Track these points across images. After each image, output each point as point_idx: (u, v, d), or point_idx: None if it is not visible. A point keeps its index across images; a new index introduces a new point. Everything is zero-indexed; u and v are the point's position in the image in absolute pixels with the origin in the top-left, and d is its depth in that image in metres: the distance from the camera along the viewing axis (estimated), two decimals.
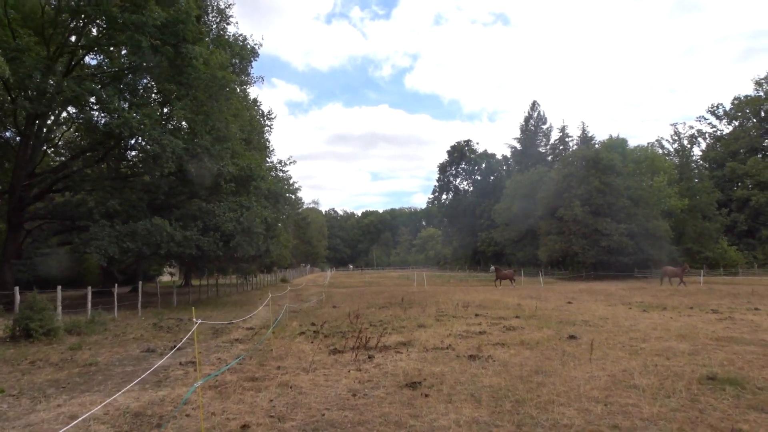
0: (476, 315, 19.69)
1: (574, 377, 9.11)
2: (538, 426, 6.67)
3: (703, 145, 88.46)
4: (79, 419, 5.93)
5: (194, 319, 6.54)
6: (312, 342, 13.79)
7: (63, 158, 33.46)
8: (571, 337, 13.65)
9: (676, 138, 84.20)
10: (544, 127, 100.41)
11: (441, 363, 10.54)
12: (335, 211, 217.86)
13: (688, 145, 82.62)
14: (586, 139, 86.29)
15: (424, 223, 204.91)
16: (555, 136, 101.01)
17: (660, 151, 77.87)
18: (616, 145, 66.30)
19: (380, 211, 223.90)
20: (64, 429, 6.29)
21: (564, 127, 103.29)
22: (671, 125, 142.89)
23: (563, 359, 10.71)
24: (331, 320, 19.11)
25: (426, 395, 8.07)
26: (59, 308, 17.17)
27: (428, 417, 7.05)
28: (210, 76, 26.12)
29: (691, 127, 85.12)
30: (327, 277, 74.53)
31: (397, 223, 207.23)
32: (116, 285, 23.47)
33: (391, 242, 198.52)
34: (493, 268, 57.63)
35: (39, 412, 7.62)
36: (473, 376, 9.29)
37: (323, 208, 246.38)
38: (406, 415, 7.17)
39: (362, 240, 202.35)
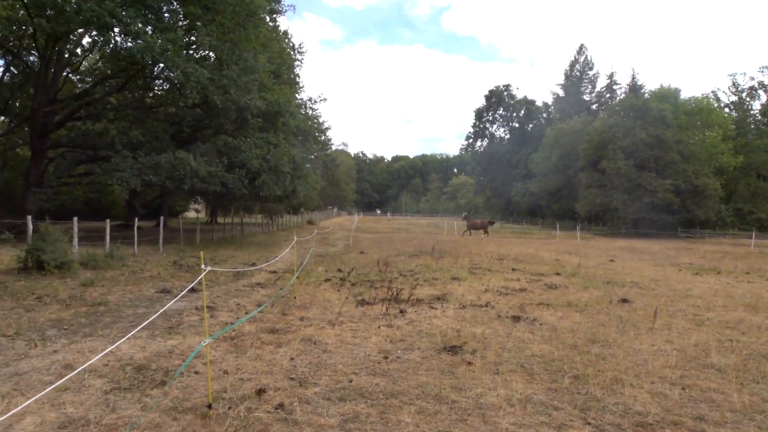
0: (513, 269, 18.76)
1: (638, 350, 8.06)
2: (606, 411, 5.68)
3: (764, 99, 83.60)
4: (74, 371, 5.17)
5: (203, 266, 5.60)
6: (338, 290, 13.00)
7: (86, 85, 32.71)
8: (624, 300, 12.56)
9: (734, 90, 79.63)
10: (591, 73, 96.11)
11: (481, 323, 9.60)
12: (364, 155, 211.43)
13: (747, 99, 78.18)
14: (635, 87, 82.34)
15: (456, 170, 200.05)
16: (602, 83, 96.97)
17: (715, 104, 73.82)
18: (668, 95, 62.88)
19: (411, 156, 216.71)
20: (55, 383, 5.52)
21: (612, 74, 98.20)
22: (729, 76, 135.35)
23: (621, 327, 9.65)
24: (359, 267, 18.38)
25: (469, 363, 7.13)
26: (75, 240, 16.67)
27: (473, 391, 6.12)
28: (238, 0, 24.69)
29: (752, 78, 79.76)
30: (354, 221, 74.13)
31: (427, 169, 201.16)
32: (137, 219, 22.90)
33: (420, 189, 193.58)
34: (464, 214, 55.14)
35: (31, 358, 6.91)
36: (520, 342, 8.33)
37: (352, 150, 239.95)
38: (447, 386, 6.25)
39: (391, 185, 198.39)
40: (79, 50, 31.32)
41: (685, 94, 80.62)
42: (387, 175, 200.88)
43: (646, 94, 70.34)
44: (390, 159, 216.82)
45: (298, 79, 49.53)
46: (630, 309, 11.50)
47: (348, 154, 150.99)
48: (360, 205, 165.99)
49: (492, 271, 17.85)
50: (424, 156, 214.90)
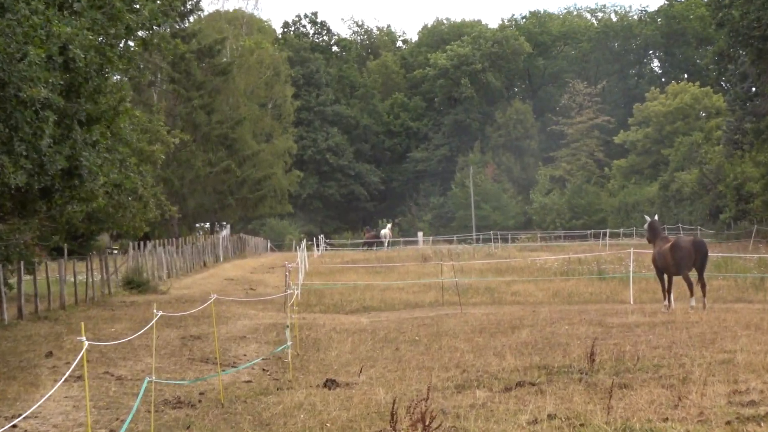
0: None
1: None
2: None
3: None
4: None
5: None
6: None
7: None
8: None
9: None
10: None
11: None
12: (321, 25, 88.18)
13: None
14: None
15: (655, 64, 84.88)
16: None
17: None
18: None
19: (488, 24, 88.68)
20: None
21: None
22: None
23: None
24: None
25: None
26: None
27: None
28: None
29: None
30: (299, 266, 25.04)
31: (554, 68, 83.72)
32: None
33: (532, 137, 78.49)
34: (650, 220, 16.87)
35: None
36: None
37: (279, 17, 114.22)
38: None
39: (427, 135, 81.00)
40: None
41: None
42: (406, 96, 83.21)
43: None
44: (416, 37, 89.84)
45: None
46: None
47: (266, 28, 69.24)
48: (315, 206, 73.15)
49: None
50: (535, 17, 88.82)
